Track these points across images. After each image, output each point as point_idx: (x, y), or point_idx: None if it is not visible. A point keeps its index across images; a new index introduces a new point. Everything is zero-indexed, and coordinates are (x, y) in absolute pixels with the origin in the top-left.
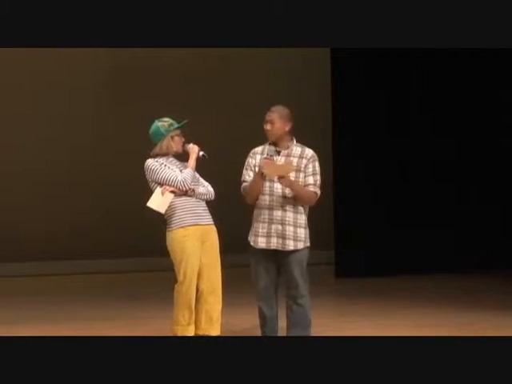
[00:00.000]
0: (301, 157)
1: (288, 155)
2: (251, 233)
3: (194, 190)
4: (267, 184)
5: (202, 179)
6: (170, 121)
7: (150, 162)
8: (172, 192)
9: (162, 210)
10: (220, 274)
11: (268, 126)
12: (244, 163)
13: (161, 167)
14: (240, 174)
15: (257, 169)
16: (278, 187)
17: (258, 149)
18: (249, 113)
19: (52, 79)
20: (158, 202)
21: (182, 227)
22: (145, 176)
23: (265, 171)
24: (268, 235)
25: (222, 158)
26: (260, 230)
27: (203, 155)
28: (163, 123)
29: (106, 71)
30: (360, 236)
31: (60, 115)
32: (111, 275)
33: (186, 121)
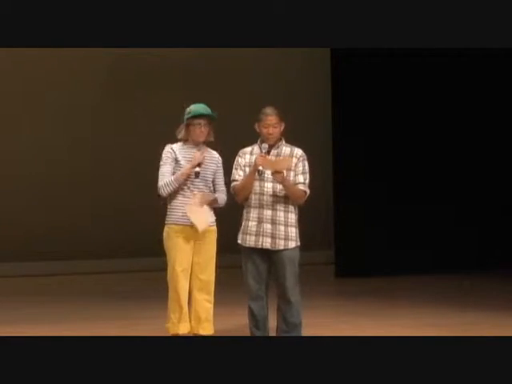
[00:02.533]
0: (290, 156)
1: (278, 154)
2: (241, 231)
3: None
4: (257, 183)
5: (220, 184)
6: (192, 108)
7: (166, 148)
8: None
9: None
10: (213, 274)
11: (271, 130)
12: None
13: (165, 161)
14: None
15: (247, 168)
16: (268, 186)
17: (248, 149)
18: (248, 112)
19: (52, 79)
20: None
21: (175, 224)
22: (145, 174)
23: (261, 164)
24: (257, 234)
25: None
26: (249, 229)
27: (196, 172)
28: (187, 109)
29: (105, 71)
30: (360, 236)
31: (60, 115)
32: (110, 275)
33: (201, 112)
